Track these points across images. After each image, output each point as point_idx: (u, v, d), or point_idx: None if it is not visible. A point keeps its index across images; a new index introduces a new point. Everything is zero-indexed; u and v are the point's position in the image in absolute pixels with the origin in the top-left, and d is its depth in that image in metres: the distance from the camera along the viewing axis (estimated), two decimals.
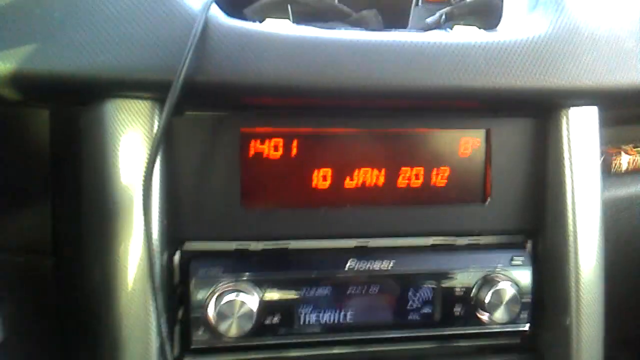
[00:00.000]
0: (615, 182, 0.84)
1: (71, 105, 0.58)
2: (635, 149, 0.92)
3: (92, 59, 0.51)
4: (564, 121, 0.64)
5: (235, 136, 0.59)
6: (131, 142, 0.54)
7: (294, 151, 0.60)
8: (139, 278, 0.55)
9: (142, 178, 0.53)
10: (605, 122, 0.90)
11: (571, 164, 0.64)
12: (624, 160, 0.89)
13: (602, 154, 0.88)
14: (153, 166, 0.53)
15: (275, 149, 0.60)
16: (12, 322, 0.57)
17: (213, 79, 0.52)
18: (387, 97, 0.56)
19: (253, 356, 0.62)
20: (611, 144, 0.93)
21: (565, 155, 0.64)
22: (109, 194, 0.55)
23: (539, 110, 0.65)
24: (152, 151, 0.52)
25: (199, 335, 0.58)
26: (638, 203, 0.83)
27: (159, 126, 0.52)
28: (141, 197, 0.53)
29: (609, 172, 0.88)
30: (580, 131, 0.64)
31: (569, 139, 0.64)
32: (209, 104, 0.58)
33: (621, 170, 0.89)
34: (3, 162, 0.62)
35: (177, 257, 0.59)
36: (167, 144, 0.57)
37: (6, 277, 0.63)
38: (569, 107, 0.64)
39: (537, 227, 0.67)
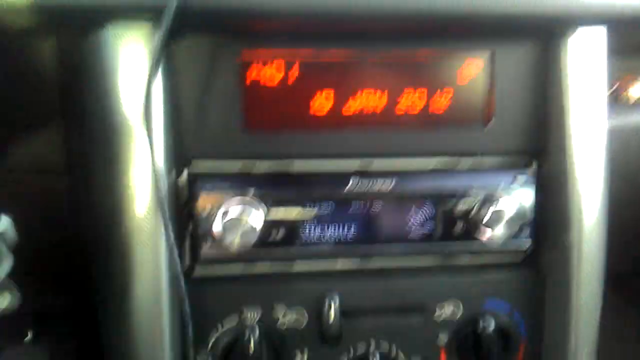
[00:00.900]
0: (626, 110, 0.83)
1: (75, 33, 0.59)
2: None
3: None
4: (570, 42, 0.63)
5: (236, 60, 0.60)
6: (131, 65, 0.56)
7: (295, 74, 0.61)
8: (146, 195, 0.58)
9: (143, 99, 0.55)
10: (626, 50, 0.88)
11: (576, 86, 0.64)
12: (638, 89, 0.88)
13: (615, 82, 0.87)
14: (151, 85, 0.55)
15: (277, 72, 0.61)
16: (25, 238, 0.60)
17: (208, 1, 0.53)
18: (387, 19, 0.56)
19: (259, 268, 0.65)
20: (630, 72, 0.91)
21: (571, 76, 0.64)
22: (112, 118, 0.57)
23: (545, 31, 0.64)
24: (150, 71, 0.53)
25: (206, 249, 0.61)
26: None
27: (155, 47, 0.54)
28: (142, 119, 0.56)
29: (622, 99, 0.87)
30: (587, 53, 0.64)
31: (574, 60, 0.63)
32: (209, 28, 0.59)
33: (634, 97, 0.88)
34: (16, 89, 0.64)
35: (184, 176, 0.62)
36: (168, 67, 0.58)
37: (22, 197, 0.67)
38: (575, 27, 0.63)
39: (541, 150, 0.67)
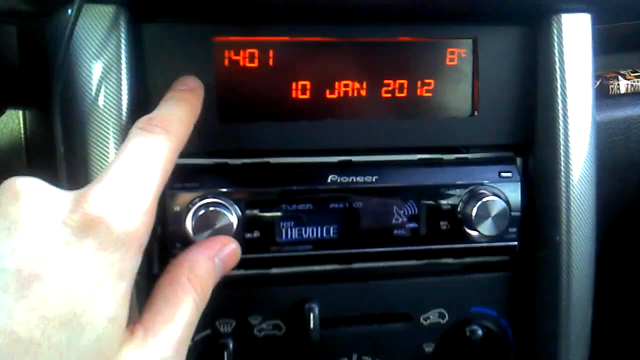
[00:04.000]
0: (611, 103, 0.81)
1: (38, 17, 0.56)
2: (634, 74, 0.90)
3: None
4: (554, 29, 0.61)
5: (208, 46, 0.56)
6: (96, 48, 0.52)
7: (271, 62, 0.58)
8: None
9: (108, 86, 0.51)
10: (603, 49, 0.87)
11: (563, 74, 0.61)
12: (622, 84, 0.87)
13: (598, 78, 0.86)
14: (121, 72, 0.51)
15: (251, 59, 0.57)
16: None
17: None
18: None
19: (234, 273, 0.60)
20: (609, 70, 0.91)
21: (557, 65, 0.61)
22: (78, 105, 0.53)
23: (529, 17, 0.62)
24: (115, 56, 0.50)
25: (177, 248, 0.56)
26: (635, 125, 0.81)
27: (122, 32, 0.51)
28: (109, 107, 0.52)
29: (606, 94, 0.86)
30: (573, 40, 0.61)
31: (560, 47, 0.61)
32: (178, 13, 0.56)
33: (619, 93, 0.87)
34: None
35: None
36: (137, 52, 0.54)
37: None
38: (560, 12, 0.61)
39: (528, 142, 0.64)
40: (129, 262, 0.40)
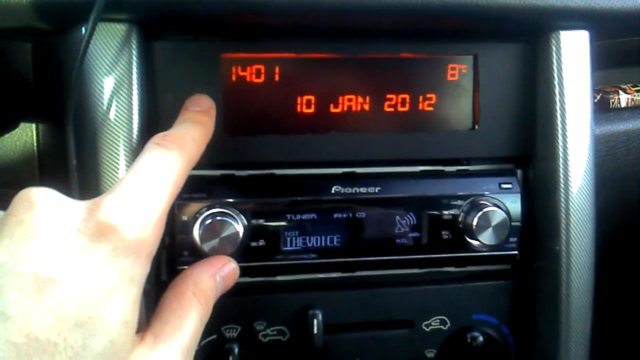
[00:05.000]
0: (612, 117, 0.83)
1: (51, 35, 0.58)
2: (634, 88, 0.91)
3: None
4: (553, 45, 0.62)
5: (215, 62, 0.58)
6: (108, 64, 0.54)
7: (276, 77, 0.60)
8: None
9: (119, 101, 0.53)
10: (604, 63, 0.89)
11: (561, 90, 0.63)
12: (623, 99, 0.88)
13: (599, 92, 0.88)
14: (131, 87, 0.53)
15: (257, 75, 0.59)
16: None
17: None
18: (367, 12, 0.55)
19: (240, 280, 0.62)
20: (610, 84, 0.92)
21: (555, 81, 0.63)
22: (90, 119, 0.55)
23: (528, 33, 0.63)
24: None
25: (185, 257, 0.58)
26: (635, 138, 0.82)
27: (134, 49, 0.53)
28: (120, 121, 0.54)
29: (607, 108, 0.87)
30: (571, 57, 0.63)
31: (559, 63, 0.63)
32: (188, 28, 0.58)
33: (620, 107, 0.88)
34: None
35: None
36: (148, 67, 0.56)
37: None
38: (558, 30, 0.62)
39: (528, 154, 0.66)
40: (140, 269, 0.41)
